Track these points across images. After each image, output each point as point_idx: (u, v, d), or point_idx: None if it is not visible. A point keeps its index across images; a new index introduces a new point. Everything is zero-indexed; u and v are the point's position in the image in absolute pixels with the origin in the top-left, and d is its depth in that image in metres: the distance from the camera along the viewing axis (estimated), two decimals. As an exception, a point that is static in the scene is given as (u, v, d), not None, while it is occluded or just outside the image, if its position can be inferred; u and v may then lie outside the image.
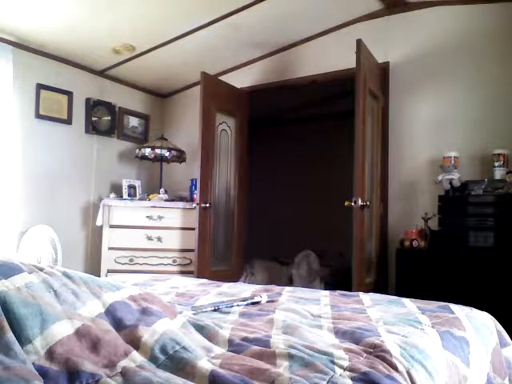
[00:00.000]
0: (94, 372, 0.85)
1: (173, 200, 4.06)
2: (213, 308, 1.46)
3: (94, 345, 0.94)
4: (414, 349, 1.08)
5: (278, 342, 1.08)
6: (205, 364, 0.92)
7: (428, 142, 3.28)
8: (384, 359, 1.00)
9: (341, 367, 0.95)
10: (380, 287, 3.07)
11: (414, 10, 3.37)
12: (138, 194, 4.11)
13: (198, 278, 2.75)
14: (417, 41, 3.37)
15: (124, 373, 0.88)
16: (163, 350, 0.97)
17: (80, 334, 0.95)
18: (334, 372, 0.92)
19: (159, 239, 3.84)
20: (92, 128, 4.07)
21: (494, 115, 3.05)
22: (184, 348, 0.98)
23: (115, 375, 0.87)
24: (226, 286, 2.00)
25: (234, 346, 1.07)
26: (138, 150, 4.20)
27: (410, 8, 3.38)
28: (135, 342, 1.00)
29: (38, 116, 3.66)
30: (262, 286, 2.06)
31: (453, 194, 2.91)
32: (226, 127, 4.01)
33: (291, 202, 5.39)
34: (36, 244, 3.50)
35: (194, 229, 3.65)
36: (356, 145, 2.90)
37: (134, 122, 4.52)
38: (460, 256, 2.73)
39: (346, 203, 2.88)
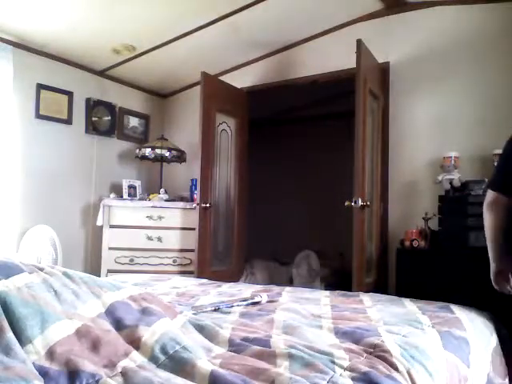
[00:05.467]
0: (94, 372, 0.85)
1: (173, 200, 4.05)
2: (213, 308, 1.46)
3: (95, 345, 0.94)
4: (414, 349, 1.08)
5: (279, 341, 1.08)
6: (205, 364, 0.92)
7: (428, 141, 3.28)
8: (384, 359, 1.00)
9: (341, 367, 0.95)
10: (380, 287, 3.06)
11: (414, 9, 3.37)
12: (138, 194, 4.11)
13: (198, 278, 2.75)
14: (417, 41, 3.37)
15: (124, 373, 0.88)
16: (163, 349, 0.97)
17: (80, 333, 0.95)
18: (335, 372, 0.92)
19: (159, 239, 3.84)
20: (92, 128, 4.07)
21: (494, 115, 3.05)
22: (184, 348, 0.98)
23: (115, 375, 0.87)
24: (227, 286, 2.00)
25: (234, 346, 1.07)
26: (138, 150, 4.20)
27: (410, 8, 3.38)
28: (135, 342, 1.00)
29: (38, 116, 3.66)
30: (262, 286, 2.06)
31: (453, 194, 2.90)
32: (226, 127, 4.01)
33: (291, 202, 5.38)
34: (36, 244, 3.50)
35: (194, 229, 3.65)
36: (356, 145, 2.90)
37: (134, 122, 4.52)
38: (460, 256, 2.73)
39: (347, 203, 2.88)
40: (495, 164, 2.84)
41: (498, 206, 1.80)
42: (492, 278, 1.79)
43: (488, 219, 1.82)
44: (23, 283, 1.01)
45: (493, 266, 1.79)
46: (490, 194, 1.83)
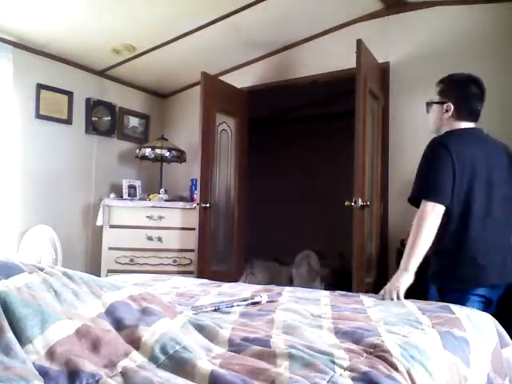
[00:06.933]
0: (94, 372, 0.85)
1: (173, 200, 4.06)
2: (213, 308, 1.45)
3: (95, 345, 0.94)
4: (414, 349, 1.08)
5: (279, 341, 1.08)
6: (205, 364, 0.92)
7: (428, 141, 3.27)
8: (384, 359, 1.00)
9: (341, 367, 0.95)
10: (380, 287, 3.05)
11: (414, 9, 3.37)
12: (138, 194, 4.11)
13: (198, 278, 2.75)
14: (417, 41, 3.37)
15: (124, 373, 0.88)
16: (163, 349, 0.97)
17: (80, 333, 0.95)
18: (335, 372, 0.92)
19: (159, 239, 3.84)
20: (92, 128, 4.08)
21: (494, 115, 3.05)
22: (184, 348, 0.98)
23: (115, 375, 0.87)
24: (227, 286, 2.00)
25: (234, 346, 1.07)
26: (138, 150, 4.21)
27: (410, 8, 3.38)
28: (135, 342, 0.99)
29: (38, 116, 3.66)
30: (262, 286, 2.06)
31: (453, 194, 2.90)
32: (226, 127, 4.01)
33: (291, 202, 5.39)
34: (36, 244, 3.50)
35: (194, 229, 3.65)
36: (356, 145, 2.90)
37: (134, 122, 4.52)
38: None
39: (347, 203, 2.88)
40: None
41: (439, 218, 1.80)
42: (403, 287, 1.79)
43: (429, 231, 1.79)
44: (23, 283, 1.01)
45: (409, 277, 1.80)
46: (439, 207, 1.80)
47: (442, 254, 1.88)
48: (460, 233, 1.83)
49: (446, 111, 1.97)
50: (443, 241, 1.85)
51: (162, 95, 4.81)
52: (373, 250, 3.18)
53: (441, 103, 1.99)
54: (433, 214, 1.81)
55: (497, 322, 1.59)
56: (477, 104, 1.96)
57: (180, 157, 4.26)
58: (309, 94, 4.47)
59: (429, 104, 2.08)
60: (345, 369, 0.94)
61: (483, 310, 1.71)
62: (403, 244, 3.02)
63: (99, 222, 3.86)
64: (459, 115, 1.95)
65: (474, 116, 1.97)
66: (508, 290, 1.87)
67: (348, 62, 3.24)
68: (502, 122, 3.01)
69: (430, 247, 1.82)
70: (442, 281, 1.90)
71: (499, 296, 1.87)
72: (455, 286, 1.84)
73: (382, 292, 1.88)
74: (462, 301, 1.76)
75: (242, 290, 1.89)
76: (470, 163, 1.84)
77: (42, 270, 1.13)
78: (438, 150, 1.89)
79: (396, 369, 0.97)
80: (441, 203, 1.81)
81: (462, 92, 1.97)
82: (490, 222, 1.84)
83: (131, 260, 3.79)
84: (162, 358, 0.95)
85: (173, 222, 3.87)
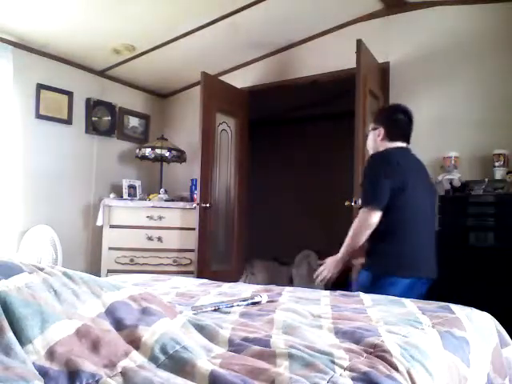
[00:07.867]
0: (94, 372, 0.85)
1: (173, 200, 4.06)
2: (213, 308, 1.45)
3: (95, 345, 0.94)
4: (414, 349, 1.08)
5: (279, 341, 1.08)
6: (205, 364, 0.92)
7: (428, 142, 3.28)
8: (384, 359, 1.00)
9: (341, 367, 0.95)
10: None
11: (414, 9, 3.38)
12: (138, 194, 4.12)
13: (198, 278, 2.75)
14: (417, 41, 3.37)
15: (124, 373, 0.88)
16: (163, 349, 0.97)
17: (80, 333, 0.95)
18: (335, 372, 0.92)
19: (159, 239, 3.84)
20: (92, 128, 4.08)
21: (494, 115, 3.05)
22: (184, 348, 0.98)
23: (115, 375, 0.87)
24: (227, 286, 2.00)
25: (234, 346, 1.07)
26: (138, 150, 4.21)
27: (410, 8, 3.38)
28: (135, 342, 0.99)
29: (38, 116, 3.66)
30: (262, 286, 2.06)
31: (453, 193, 2.91)
32: (226, 127, 4.01)
33: (291, 202, 5.39)
34: (36, 244, 3.50)
35: (194, 229, 3.65)
36: (356, 145, 2.90)
37: (134, 122, 4.52)
38: (460, 256, 2.73)
39: (346, 203, 2.88)
40: (495, 164, 2.86)
41: (376, 223, 2.06)
42: (333, 263, 2.18)
43: (366, 234, 2.09)
44: (23, 283, 1.01)
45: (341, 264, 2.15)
46: (377, 214, 2.05)
47: (389, 246, 2.11)
48: (407, 233, 2.10)
49: (378, 135, 2.25)
50: (390, 235, 2.09)
51: (162, 95, 4.81)
52: (373, 250, 3.18)
53: (374, 129, 2.28)
54: (372, 219, 2.07)
55: (497, 321, 1.60)
56: (405, 128, 2.27)
57: (180, 157, 4.26)
58: (309, 94, 4.47)
59: (368, 132, 2.38)
60: (345, 369, 0.94)
61: (409, 291, 2.00)
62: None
63: (99, 222, 3.86)
64: (390, 137, 2.23)
65: (404, 138, 2.25)
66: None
67: (348, 62, 3.24)
68: (502, 121, 3.01)
69: (373, 239, 2.10)
70: (384, 268, 2.09)
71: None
72: (397, 274, 2.07)
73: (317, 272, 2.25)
74: (395, 284, 2.03)
75: (242, 290, 1.89)
76: (408, 174, 2.10)
77: (42, 269, 1.13)
78: (380, 161, 2.15)
79: (396, 369, 0.97)
80: (379, 210, 2.06)
81: (390, 118, 2.29)
82: (425, 227, 2.17)
83: (131, 260, 3.79)
84: (162, 357, 0.95)
85: (173, 222, 3.87)
